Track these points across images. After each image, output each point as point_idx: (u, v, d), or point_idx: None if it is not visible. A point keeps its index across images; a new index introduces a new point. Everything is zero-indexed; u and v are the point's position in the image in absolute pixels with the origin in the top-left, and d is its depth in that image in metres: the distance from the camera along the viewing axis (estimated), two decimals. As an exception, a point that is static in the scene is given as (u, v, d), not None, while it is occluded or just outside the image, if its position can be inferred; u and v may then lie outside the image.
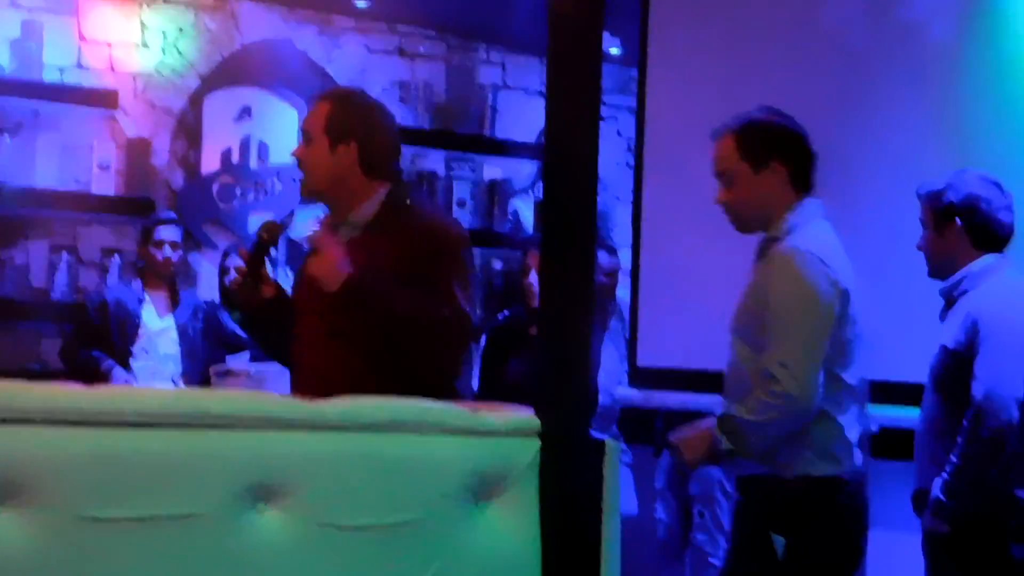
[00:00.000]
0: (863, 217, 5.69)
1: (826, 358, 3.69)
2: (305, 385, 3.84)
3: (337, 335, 3.86)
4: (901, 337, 4.95)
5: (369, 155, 4.02)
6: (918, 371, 4.59)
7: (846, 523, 3.81)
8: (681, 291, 6.15)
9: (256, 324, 4.08)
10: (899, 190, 5.56)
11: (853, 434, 3.80)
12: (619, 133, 8.68)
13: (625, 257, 6.73)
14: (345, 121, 4.02)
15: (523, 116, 8.54)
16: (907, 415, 4.72)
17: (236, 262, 4.02)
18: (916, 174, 5.54)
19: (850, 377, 3.77)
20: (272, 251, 4.03)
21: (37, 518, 2.22)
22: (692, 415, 6.70)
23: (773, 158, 3.83)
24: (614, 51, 7.91)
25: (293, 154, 4.11)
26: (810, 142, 3.90)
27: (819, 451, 3.73)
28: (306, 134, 4.06)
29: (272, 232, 4.03)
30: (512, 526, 2.55)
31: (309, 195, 4.14)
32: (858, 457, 3.80)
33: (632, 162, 7.16)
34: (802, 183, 3.87)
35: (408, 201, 4.07)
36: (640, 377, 6.11)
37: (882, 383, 5.55)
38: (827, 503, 3.74)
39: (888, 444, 5.26)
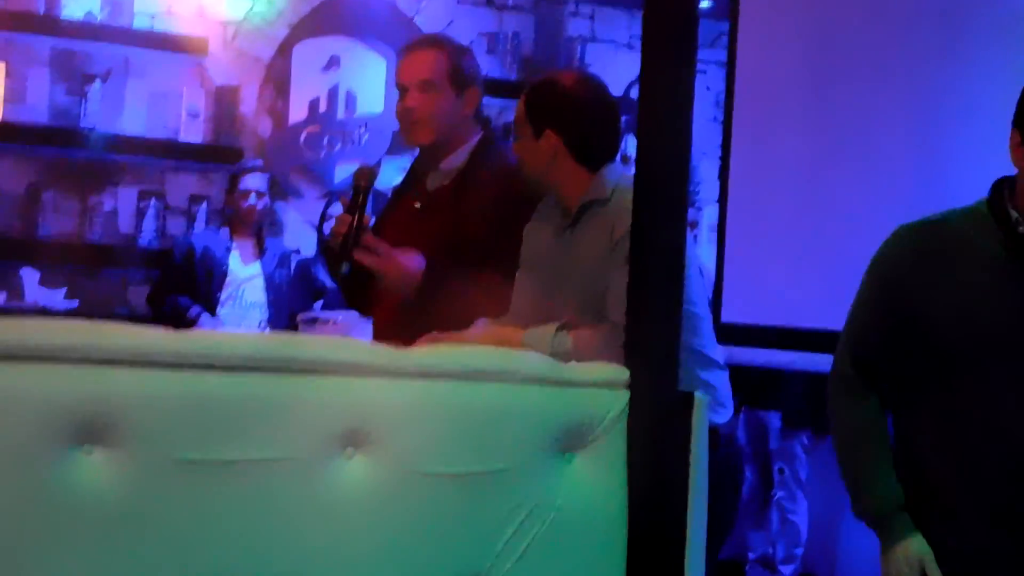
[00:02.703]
0: (953, 173, 5.63)
1: (699, 304, 3.79)
2: (386, 333, 3.88)
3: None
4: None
5: (480, 99, 4.05)
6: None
7: (732, 466, 3.93)
8: (767, 247, 6.11)
9: (351, 274, 4.08)
10: (991, 145, 5.52)
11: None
12: (708, 88, 8.64)
13: (712, 213, 6.70)
14: (466, 66, 4.03)
15: (611, 69, 8.50)
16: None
17: (337, 211, 4.04)
18: (1005, 131, 5.50)
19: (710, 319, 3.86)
20: (369, 197, 4.04)
21: (127, 459, 2.23)
22: (776, 372, 6.72)
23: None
24: (705, 4, 7.87)
25: (407, 104, 4.05)
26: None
27: (714, 398, 3.77)
28: (425, 82, 4.01)
29: (368, 178, 4.03)
30: (598, 478, 2.54)
31: (422, 144, 4.11)
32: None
33: (720, 117, 7.12)
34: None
35: (499, 147, 4.08)
36: (724, 333, 6.10)
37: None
38: (715, 447, 3.74)
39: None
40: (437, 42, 4.16)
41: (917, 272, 3.27)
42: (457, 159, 4.03)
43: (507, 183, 3.94)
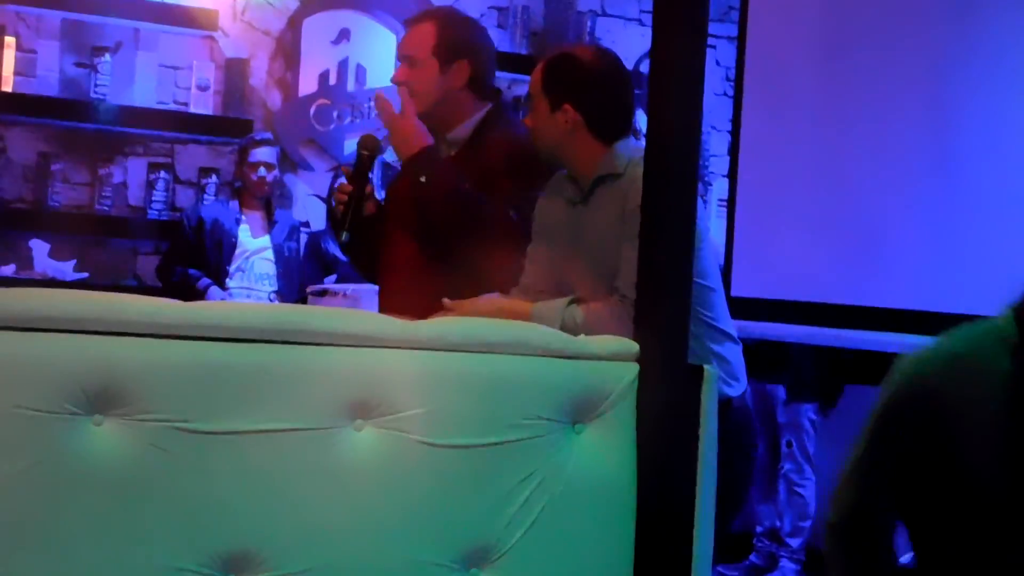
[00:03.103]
0: (965, 146, 5.62)
1: (711, 277, 3.77)
2: (392, 305, 3.89)
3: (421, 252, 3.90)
4: (1004, 270, 4.88)
5: (478, 73, 4.03)
6: None
7: (745, 439, 3.92)
8: (777, 222, 6.11)
9: (357, 243, 4.11)
10: (1003, 120, 5.50)
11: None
12: (718, 62, 8.63)
13: (722, 187, 6.69)
14: (455, 39, 4.02)
15: (621, 43, 8.49)
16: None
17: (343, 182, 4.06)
18: (1018, 102, 5.48)
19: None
20: (373, 166, 4.07)
21: (138, 428, 2.24)
22: (784, 345, 6.71)
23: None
24: (715, -21, 7.86)
25: (395, 79, 4.11)
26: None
27: (728, 373, 3.77)
28: (409, 58, 4.05)
29: (372, 147, 4.05)
30: (609, 450, 2.55)
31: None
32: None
33: (731, 92, 7.12)
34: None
35: (506, 119, 4.08)
36: (735, 307, 6.11)
37: (980, 317, 5.51)
38: (727, 419, 3.70)
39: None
40: (430, 16, 4.17)
41: (944, 416, 2.71)
42: (463, 131, 4.04)
43: (511, 153, 3.94)
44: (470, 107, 4.05)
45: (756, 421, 7.27)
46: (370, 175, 4.06)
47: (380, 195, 4.26)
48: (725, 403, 3.68)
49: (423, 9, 7.52)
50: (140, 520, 2.25)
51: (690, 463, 2.56)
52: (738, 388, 3.82)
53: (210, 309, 2.41)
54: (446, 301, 3.57)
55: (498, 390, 2.49)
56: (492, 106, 4.08)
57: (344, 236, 4.02)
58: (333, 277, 7.05)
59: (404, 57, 4.09)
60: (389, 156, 7.83)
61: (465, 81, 4.03)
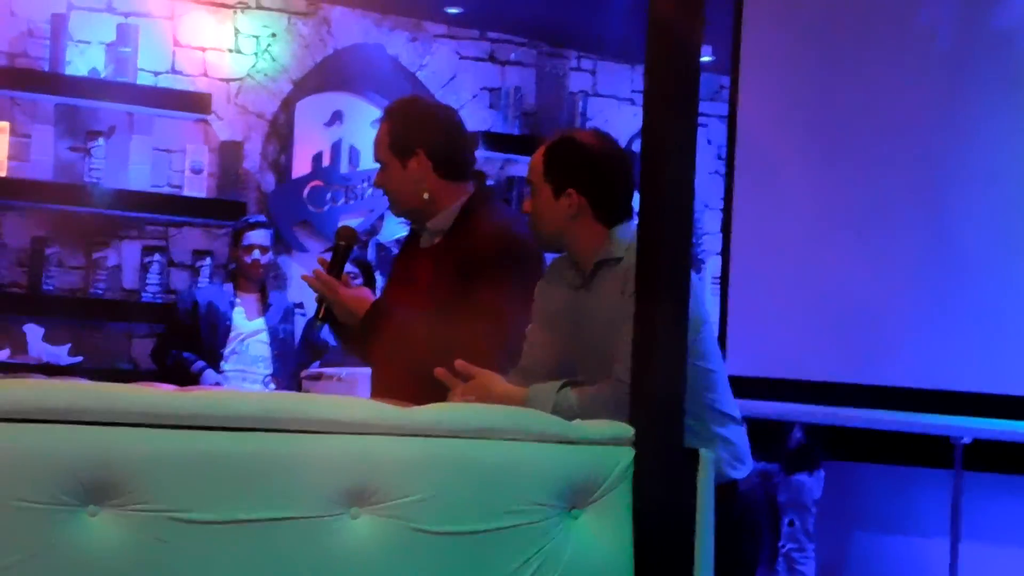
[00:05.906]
0: (955, 224, 5.64)
1: (713, 360, 3.70)
2: (385, 388, 3.87)
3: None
4: (996, 349, 4.88)
5: (440, 160, 3.99)
6: (1013, 383, 4.52)
7: (751, 522, 3.85)
8: (771, 299, 6.11)
9: (343, 329, 4.10)
10: (994, 197, 5.51)
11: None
12: (709, 141, 8.67)
13: (715, 265, 6.69)
14: (406, 134, 3.99)
15: (613, 123, 8.54)
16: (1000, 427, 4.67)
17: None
18: (1011, 182, 5.50)
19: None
20: (351, 255, 4.06)
21: (134, 519, 2.24)
22: (783, 424, 6.69)
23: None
24: (705, 58, 7.89)
25: (374, 184, 4.12)
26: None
27: (733, 455, 3.73)
28: (379, 161, 4.04)
29: (348, 237, 4.04)
30: (605, 534, 2.54)
31: (400, 215, 4.18)
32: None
33: (722, 170, 7.14)
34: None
35: (486, 205, 4.06)
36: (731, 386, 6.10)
37: (976, 395, 5.51)
38: (734, 502, 3.67)
39: (982, 456, 5.20)
40: (386, 114, 4.13)
41: None
42: (444, 219, 4.01)
43: (495, 239, 3.92)
44: (446, 194, 4.01)
45: (760, 500, 7.26)
46: (347, 265, 4.04)
47: (380, 275, 4.25)
48: (731, 486, 3.66)
49: (417, 92, 7.59)
50: (136, 611, 2.24)
51: (687, 547, 2.55)
52: (744, 470, 3.78)
53: (206, 398, 2.41)
54: (459, 362, 3.54)
55: (495, 476, 2.48)
56: (474, 191, 4.05)
57: (319, 326, 4.03)
58: (316, 364, 7.03)
59: (376, 161, 4.07)
60: (383, 236, 7.87)
61: (428, 171, 3.99)
